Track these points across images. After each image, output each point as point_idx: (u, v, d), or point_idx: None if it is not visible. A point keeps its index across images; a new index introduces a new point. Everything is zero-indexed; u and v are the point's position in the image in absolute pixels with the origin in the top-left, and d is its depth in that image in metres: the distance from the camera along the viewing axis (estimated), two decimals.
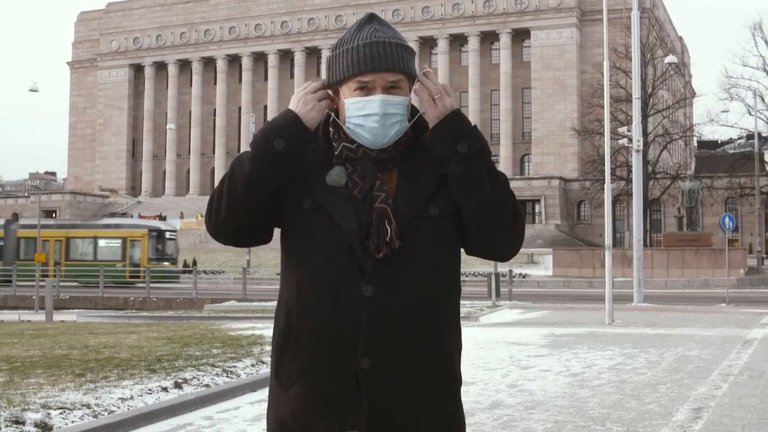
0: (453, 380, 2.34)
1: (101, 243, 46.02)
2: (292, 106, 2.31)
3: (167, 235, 47.52)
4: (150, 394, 8.27)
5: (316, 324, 2.25)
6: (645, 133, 46.71)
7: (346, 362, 2.21)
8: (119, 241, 45.57)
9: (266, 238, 2.40)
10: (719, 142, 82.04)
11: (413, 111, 2.41)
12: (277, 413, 2.32)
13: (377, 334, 2.21)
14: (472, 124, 2.31)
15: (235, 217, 2.29)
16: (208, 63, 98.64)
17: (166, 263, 45.36)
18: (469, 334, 16.20)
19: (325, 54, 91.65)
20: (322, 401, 2.23)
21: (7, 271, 41.86)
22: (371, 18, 2.37)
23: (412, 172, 2.33)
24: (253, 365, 10.55)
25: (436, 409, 2.28)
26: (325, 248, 2.25)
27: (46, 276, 31.06)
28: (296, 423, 2.26)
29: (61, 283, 35.86)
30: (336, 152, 2.34)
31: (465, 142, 2.26)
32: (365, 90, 2.29)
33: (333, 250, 2.23)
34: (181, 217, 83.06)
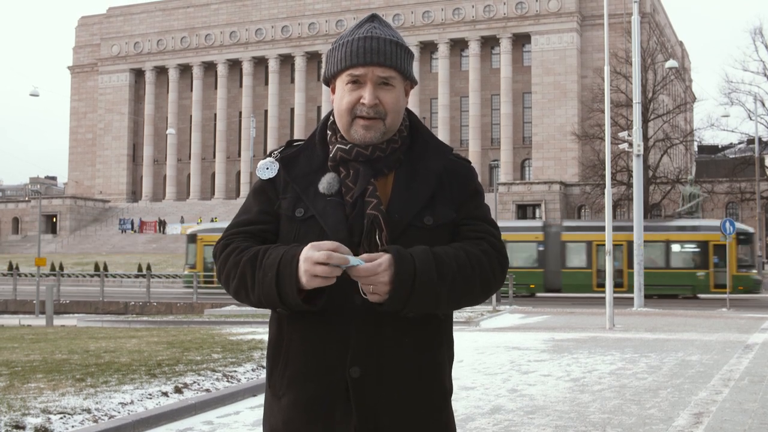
0: (443, 391, 2.31)
1: (674, 248, 38.41)
2: (304, 273, 2.10)
3: (754, 238, 40.47)
4: (150, 398, 8.26)
5: (306, 333, 2.23)
6: (645, 138, 46.75)
7: (336, 371, 2.19)
8: (697, 245, 38.19)
9: None
10: (720, 146, 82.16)
11: (409, 115, 2.40)
12: (270, 422, 2.31)
13: (367, 343, 2.19)
14: (408, 287, 2.11)
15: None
16: (209, 68, 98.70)
17: (753, 271, 38.33)
18: (469, 338, 16.18)
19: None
20: (312, 409, 2.21)
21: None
22: (372, 17, 2.35)
23: (407, 178, 2.30)
24: (253, 370, 10.54)
25: (425, 420, 2.25)
26: None
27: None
28: (288, 431, 2.25)
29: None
30: (330, 154, 2.32)
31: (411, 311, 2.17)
32: (356, 84, 2.26)
33: None
34: (182, 221, 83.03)
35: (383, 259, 2.12)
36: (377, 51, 2.25)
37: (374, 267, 2.10)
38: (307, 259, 2.09)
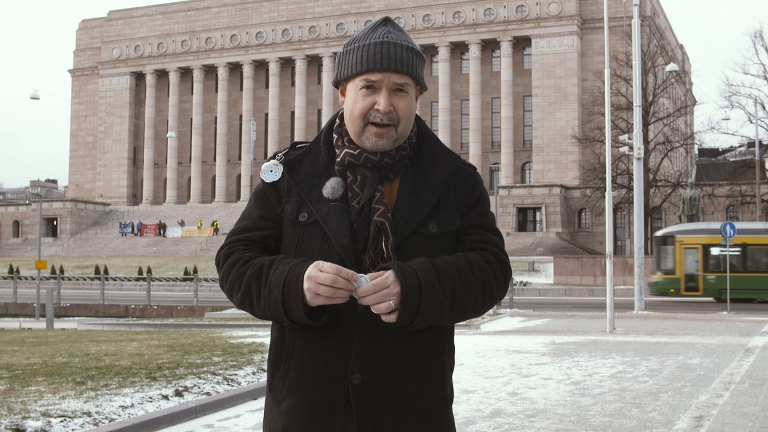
0: (444, 399, 2.30)
1: None
2: (307, 291, 2.09)
3: None
4: (151, 402, 8.26)
5: (307, 339, 2.22)
6: (646, 141, 46.80)
7: (337, 377, 2.19)
8: None
9: None
10: (720, 149, 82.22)
11: (418, 121, 2.39)
12: (270, 426, 2.31)
13: (369, 350, 2.18)
14: (416, 304, 2.10)
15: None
16: (209, 71, 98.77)
17: None
18: (469, 342, 16.18)
19: (327, 62, 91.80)
20: (313, 415, 2.21)
21: None
22: (386, 21, 2.33)
23: (413, 184, 2.29)
24: (253, 373, 10.54)
25: (425, 427, 2.24)
26: None
27: None
28: None
29: None
30: (338, 158, 2.29)
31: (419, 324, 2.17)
32: (371, 89, 2.24)
33: None
34: (182, 224, 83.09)
35: (388, 272, 2.11)
36: (394, 57, 2.23)
37: (383, 279, 2.09)
38: (310, 278, 2.09)
